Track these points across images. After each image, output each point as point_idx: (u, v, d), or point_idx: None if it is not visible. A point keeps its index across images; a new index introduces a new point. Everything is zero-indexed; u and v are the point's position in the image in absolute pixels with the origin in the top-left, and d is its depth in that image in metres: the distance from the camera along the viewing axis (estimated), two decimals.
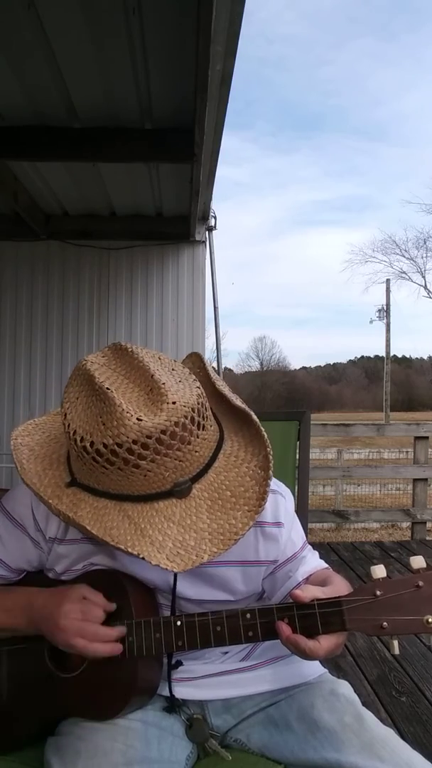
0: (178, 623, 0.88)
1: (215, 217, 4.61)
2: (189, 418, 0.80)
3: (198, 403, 0.82)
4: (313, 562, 1.06)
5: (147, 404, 0.80)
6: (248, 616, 0.86)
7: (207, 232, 4.65)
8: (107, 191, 3.89)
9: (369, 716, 0.94)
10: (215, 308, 4.98)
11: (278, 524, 1.01)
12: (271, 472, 0.85)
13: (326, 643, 0.81)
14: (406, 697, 2.23)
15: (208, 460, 0.86)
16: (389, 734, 0.92)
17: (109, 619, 0.91)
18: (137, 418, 0.77)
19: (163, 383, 0.81)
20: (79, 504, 0.84)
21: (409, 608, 0.80)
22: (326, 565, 1.08)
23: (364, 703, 0.98)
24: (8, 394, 4.57)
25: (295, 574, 1.02)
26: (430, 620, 0.79)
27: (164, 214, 4.37)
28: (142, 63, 2.47)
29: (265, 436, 0.88)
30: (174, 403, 0.79)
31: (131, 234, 4.47)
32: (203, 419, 0.83)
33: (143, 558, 0.77)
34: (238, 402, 0.92)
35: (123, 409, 0.78)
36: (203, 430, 0.83)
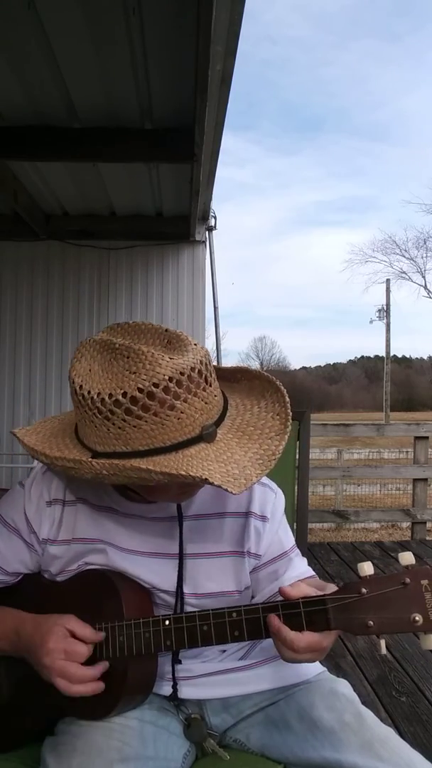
0: (167, 623, 0.89)
1: (215, 217, 4.62)
2: (208, 359, 0.85)
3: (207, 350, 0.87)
4: (300, 567, 1.05)
5: (170, 351, 0.83)
6: (234, 615, 0.86)
7: (207, 232, 4.65)
8: (107, 191, 3.89)
9: (369, 715, 0.94)
10: (215, 308, 4.99)
11: (263, 518, 1.00)
12: (287, 397, 0.91)
13: (309, 636, 0.81)
14: (406, 697, 2.23)
15: (222, 408, 0.89)
16: (389, 733, 0.92)
17: (100, 620, 0.91)
18: (169, 357, 0.80)
19: (180, 332, 0.86)
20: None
21: (396, 606, 0.78)
22: (313, 573, 1.07)
23: (363, 704, 0.98)
24: (8, 394, 4.57)
25: (281, 578, 1.01)
26: (416, 618, 0.77)
27: (164, 214, 4.37)
28: (142, 63, 2.47)
29: (267, 375, 0.95)
30: (196, 344, 0.85)
31: (131, 234, 4.46)
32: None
33: (206, 479, 0.76)
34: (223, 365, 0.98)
35: (153, 353, 0.80)
36: (214, 376, 0.88)
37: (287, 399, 0.91)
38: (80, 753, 0.86)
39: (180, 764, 0.94)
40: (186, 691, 1.00)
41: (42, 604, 0.98)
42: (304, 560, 1.08)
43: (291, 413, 0.90)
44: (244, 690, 1.02)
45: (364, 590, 0.79)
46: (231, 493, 0.77)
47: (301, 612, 0.81)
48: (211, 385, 0.85)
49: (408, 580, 0.78)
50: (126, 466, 0.79)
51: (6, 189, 3.53)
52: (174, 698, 0.99)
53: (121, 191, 3.90)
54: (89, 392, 0.82)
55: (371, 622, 0.78)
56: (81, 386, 0.83)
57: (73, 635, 0.89)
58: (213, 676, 1.02)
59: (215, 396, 0.86)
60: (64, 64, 2.46)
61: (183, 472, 0.77)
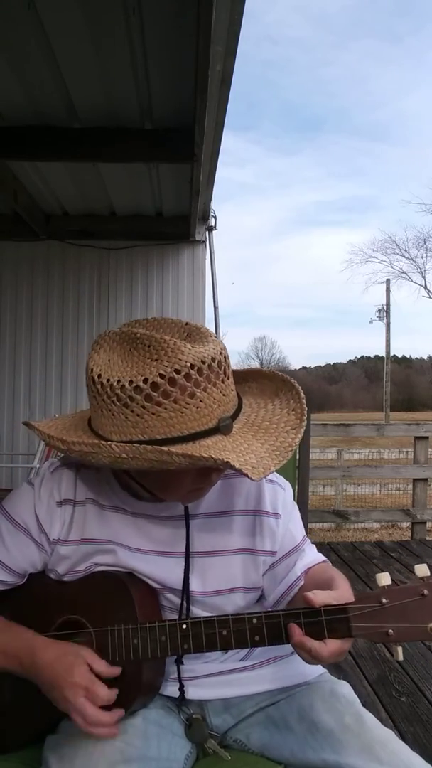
0: (184, 626, 0.88)
1: (215, 217, 4.62)
2: (226, 352, 0.86)
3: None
4: (311, 555, 1.05)
5: (191, 342, 0.84)
6: (254, 620, 0.86)
7: (207, 232, 4.65)
8: (107, 191, 3.88)
9: (369, 717, 0.94)
10: (215, 308, 4.99)
11: (276, 515, 1.00)
12: (302, 393, 0.92)
13: (332, 645, 0.81)
14: (406, 697, 2.23)
15: (238, 405, 0.89)
16: (389, 736, 0.92)
17: (112, 623, 0.90)
18: (191, 346, 0.82)
19: (200, 326, 0.88)
20: None
21: (414, 616, 0.81)
22: (324, 558, 1.07)
23: (364, 704, 0.98)
24: (8, 394, 4.57)
25: (294, 568, 1.01)
26: None
27: (164, 214, 4.36)
28: (142, 63, 2.47)
29: (281, 374, 0.96)
30: (215, 337, 0.86)
31: (131, 234, 4.46)
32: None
33: (227, 461, 0.77)
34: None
35: (175, 341, 0.81)
36: (231, 371, 0.89)
37: (302, 395, 0.93)
38: (82, 753, 0.86)
39: (182, 765, 0.94)
40: (189, 692, 1.00)
41: (49, 604, 0.98)
42: (313, 547, 1.08)
43: (306, 409, 0.91)
44: (245, 690, 1.02)
45: (384, 600, 0.82)
46: (250, 479, 0.78)
47: (322, 620, 0.83)
48: (229, 378, 0.86)
49: (426, 592, 0.81)
50: (146, 448, 0.78)
51: (6, 189, 3.53)
52: (182, 699, 0.99)
53: (121, 191, 3.90)
54: (108, 380, 0.82)
55: (391, 631, 0.81)
56: (99, 375, 0.83)
57: (90, 669, 0.88)
58: (215, 677, 1.02)
59: (232, 390, 0.87)
60: (64, 64, 2.46)
61: (205, 454, 0.77)
